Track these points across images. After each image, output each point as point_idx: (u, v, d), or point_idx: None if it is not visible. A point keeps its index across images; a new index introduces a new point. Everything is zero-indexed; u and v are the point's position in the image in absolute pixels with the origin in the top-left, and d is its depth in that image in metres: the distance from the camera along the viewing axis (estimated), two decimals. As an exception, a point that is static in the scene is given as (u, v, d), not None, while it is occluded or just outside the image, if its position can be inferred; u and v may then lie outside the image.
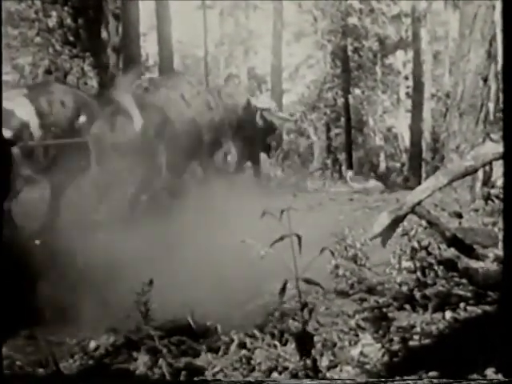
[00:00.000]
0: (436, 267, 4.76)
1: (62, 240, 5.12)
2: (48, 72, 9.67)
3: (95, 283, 4.58)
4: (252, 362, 3.39)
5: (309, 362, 3.04)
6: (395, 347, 3.44)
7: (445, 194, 7.02)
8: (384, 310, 4.14)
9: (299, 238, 2.95)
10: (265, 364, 3.34)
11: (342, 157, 15.80)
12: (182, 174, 7.04)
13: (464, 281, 4.66)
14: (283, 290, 2.92)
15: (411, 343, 3.50)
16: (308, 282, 2.94)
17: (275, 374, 3.24)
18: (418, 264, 4.78)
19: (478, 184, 7.82)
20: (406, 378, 3.01)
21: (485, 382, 2.93)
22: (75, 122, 6.25)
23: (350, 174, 13.15)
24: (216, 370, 3.31)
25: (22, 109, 5.83)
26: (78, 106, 6.30)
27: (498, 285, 4.15)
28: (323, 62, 15.93)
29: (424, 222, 5.05)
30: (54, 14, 10.03)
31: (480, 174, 7.60)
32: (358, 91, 17.30)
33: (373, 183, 12.09)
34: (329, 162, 14.64)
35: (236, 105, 7.73)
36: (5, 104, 5.19)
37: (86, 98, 6.54)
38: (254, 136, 8.14)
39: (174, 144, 6.41)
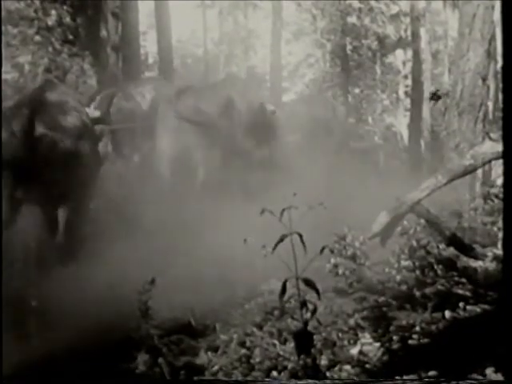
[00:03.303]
0: (435, 266, 4.76)
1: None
2: (48, 70, 9.64)
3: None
4: (251, 361, 3.39)
5: (308, 361, 3.04)
6: (395, 346, 3.44)
7: (444, 193, 7.00)
8: (383, 309, 4.14)
9: (301, 236, 2.92)
10: (264, 363, 3.34)
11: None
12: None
13: (463, 280, 4.65)
14: (283, 290, 2.90)
15: (411, 342, 3.50)
16: (307, 283, 2.92)
17: (275, 373, 3.24)
18: (417, 263, 4.78)
19: (478, 183, 7.81)
20: (405, 377, 3.01)
21: (484, 381, 2.93)
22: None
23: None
24: (216, 368, 3.31)
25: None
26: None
27: (498, 284, 4.15)
28: (322, 60, 15.92)
29: (423, 221, 5.05)
30: (53, 12, 10.01)
31: (479, 173, 7.60)
32: (357, 90, 17.28)
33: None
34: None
35: None
36: None
37: None
38: None
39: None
